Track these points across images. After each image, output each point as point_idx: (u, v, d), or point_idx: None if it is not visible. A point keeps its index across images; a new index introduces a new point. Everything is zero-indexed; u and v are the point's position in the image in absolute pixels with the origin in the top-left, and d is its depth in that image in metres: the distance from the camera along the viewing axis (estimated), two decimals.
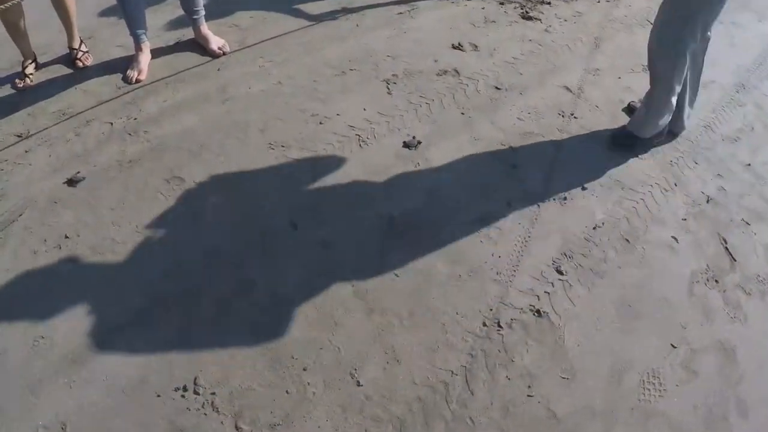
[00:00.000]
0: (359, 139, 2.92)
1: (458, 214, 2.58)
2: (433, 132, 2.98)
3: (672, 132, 3.00)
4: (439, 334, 2.15)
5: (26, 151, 2.80)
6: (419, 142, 2.91)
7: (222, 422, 1.91)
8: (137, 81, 3.21)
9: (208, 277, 2.32)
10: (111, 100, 3.10)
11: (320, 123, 3.00)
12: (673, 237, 2.54)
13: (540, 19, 3.89)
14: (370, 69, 3.39)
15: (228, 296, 2.26)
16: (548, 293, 2.30)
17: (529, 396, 2.00)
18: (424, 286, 2.30)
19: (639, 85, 3.26)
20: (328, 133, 2.95)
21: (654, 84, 2.76)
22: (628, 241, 2.51)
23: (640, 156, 2.89)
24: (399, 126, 3.01)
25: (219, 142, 2.87)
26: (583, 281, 2.35)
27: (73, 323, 2.16)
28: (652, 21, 2.67)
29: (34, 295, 2.24)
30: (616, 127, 3.05)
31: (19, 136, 2.88)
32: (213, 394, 1.98)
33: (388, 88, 3.25)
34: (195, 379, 2.01)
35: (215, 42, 3.44)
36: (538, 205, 2.63)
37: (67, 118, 2.98)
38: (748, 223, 2.61)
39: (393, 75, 3.34)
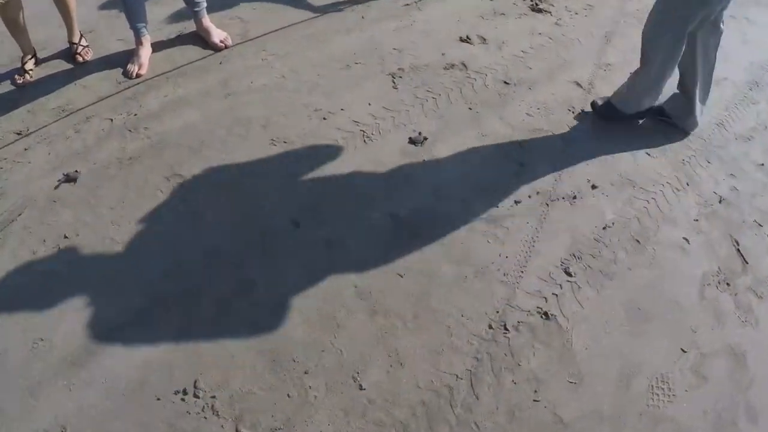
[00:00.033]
0: (364, 135, 2.87)
1: (464, 212, 2.53)
2: (440, 128, 2.93)
3: (685, 130, 2.94)
4: (443, 336, 2.11)
5: (26, 149, 2.77)
6: (425, 138, 2.85)
7: (222, 426, 1.89)
8: (138, 75, 3.17)
9: (208, 277, 2.28)
10: (111, 95, 3.06)
11: (324, 118, 2.95)
12: (684, 238, 2.48)
13: (550, 12, 3.81)
14: (376, 62, 3.33)
15: (228, 296, 2.22)
16: (556, 295, 2.25)
17: (535, 401, 1.96)
18: (428, 287, 2.25)
19: None
20: (332, 128, 2.90)
21: (643, 65, 2.73)
22: (638, 241, 2.45)
23: (651, 154, 2.83)
24: (405, 121, 2.95)
25: (220, 138, 2.82)
26: (592, 283, 2.30)
27: (73, 324, 2.13)
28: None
29: (34, 296, 2.21)
30: (628, 123, 2.98)
31: (18, 134, 2.85)
32: (213, 397, 1.95)
33: (394, 82, 3.19)
34: (195, 382, 1.98)
35: (217, 35, 3.38)
36: (547, 204, 2.57)
37: (67, 115, 2.94)
38: (760, 225, 2.55)
39: (399, 69, 3.29)
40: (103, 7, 3.78)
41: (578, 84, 3.22)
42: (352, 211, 2.52)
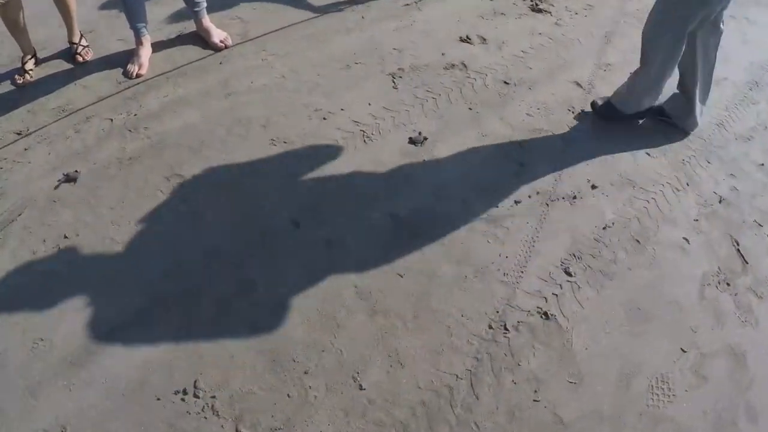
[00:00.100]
0: (364, 135, 2.86)
1: (464, 212, 2.53)
2: (440, 128, 2.93)
3: (685, 130, 2.94)
4: (443, 336, 2.11)
5: (25, 149, 2.77)
6: (425, 138, 2.85)
7: (222, 426, 1.88)
8: (138, 75, 3.16)
9: (208, 277, 2.28)
10: (111, 95, 3.06)
11: (324, 118, 2.94)
12: (684, 238, 2.48)
13: (550, 12, 3.81)
14: (376, 62, 3.33)
15: (228, 296, 2.22)
16: (556, 295, 2.25)
17: (535, 401, 1.96)
18: (428, 287, 2.25)
19: None
20: (332, 128, 2.90)
21: (643, 65, 2.73)
22: (638, 241, 2.45)
23: (651, 154, 2.83)
24: (405, 121, 2.95)
25: (220, 138, 2.82)
26: (592, 283, 2.30)
27: (73, 324, 2.13)
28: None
29: (34, 296, 2.21)
30: (628, 123, 2.98)
31: (18, 134, 2.84)
32: (213, 397, 1.95)
33: (394, 82, 3.19)
34: (195, 382, 1.98)
35: (217, 35, 3.38)
36: (547, 204, 2.57)
37: (67, 115, 2.94)
38: (760, 225, 2.55)
39: (399, 69, 3.28)
40: (103, 7, 3.78)
41: (578, 84, 3.22)
42: (352, 211, 2.51)
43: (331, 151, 2.78)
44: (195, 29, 3.48)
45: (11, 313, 2.16)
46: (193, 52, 3.39)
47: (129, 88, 3.11)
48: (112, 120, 2.91)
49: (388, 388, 1.96)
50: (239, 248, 2.37)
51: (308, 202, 2.54)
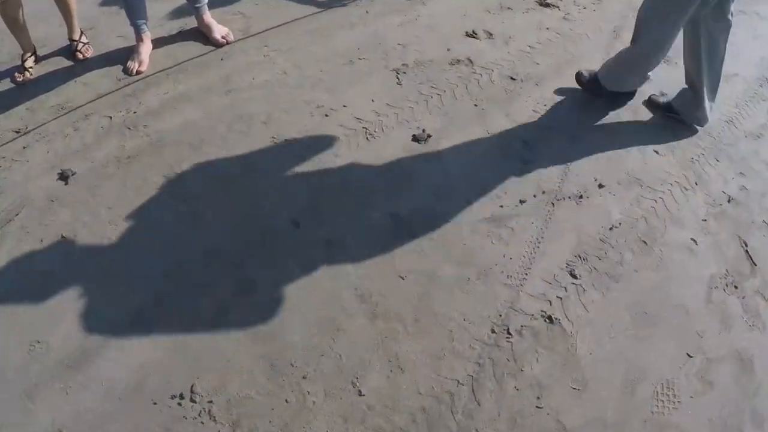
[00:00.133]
0: (366, 132, 2.82)
1: (468, 212, 2.49)
2: (445, 125, 2.88)
3: (695, 125, 2.88)
4: (445, 341, 2.07)
5: (24, 148, 2.74)
6: (429, 136, 2.81)
7: (219, 431, 1.85)
8: (138, 72, 3.13)
9: (208, 277, 2.25)
10: (111, 93, 3.02)
11: (326, 115, 2.90)
12: (692, 239, 2.43)
13: (558, 6, 3.75)
14: (380, 58, 3.29)
15: (228, 297, 2.19)
16: (561, 298, 2.21)
17: (538, 407, 1.93)
18: (430, 290, 2.22)
19: (660, 78, 3.12)
20: (334, 125, 2.86)
21: (633, 43, 2.72)
22: (645, 242, 2.41)
23: (659, 152, 2.78)
24: (408, 118, 2.91)
25: (220, 136, 2.79)
26: (598, 286, 2.26)
27: (70, 326, 2.10)
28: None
29: (31, 297, 2.18)
30: (636, 120, 2.95)
31: (17, 132, 2.81)
32: (210, 402, 1.92)
33: (398, 78, 3.15)
34: (192, 386, 1.95)
35: (218, 31, 3.34)
36: (553, 204, 2.53)
37: (66, 113, 2.91)
38: None
39: (403, 64, 3.24)
40: (103, 3, 3.73)
41: None
42: (353, 210, 2.48)
43: (333, 149, 2.74)
44: (196, 25, 3.44)
45: (8, 315, 2.14)
46: (194, 48, 3.35)
47: (129, 85, 3.07)
48: (111, 118, 2.88)
49: (387, 394, 1.93)
50: (239, 248, 2.34)
51: (308, 202, 2.51)
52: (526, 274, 2.27)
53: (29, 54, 3.13)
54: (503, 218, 2.46)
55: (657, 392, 1.98)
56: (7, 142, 2.76)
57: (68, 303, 2.17)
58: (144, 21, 3.17)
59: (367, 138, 2.79)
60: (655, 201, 2.56)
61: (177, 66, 3.20)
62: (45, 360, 2.01)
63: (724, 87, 2.96)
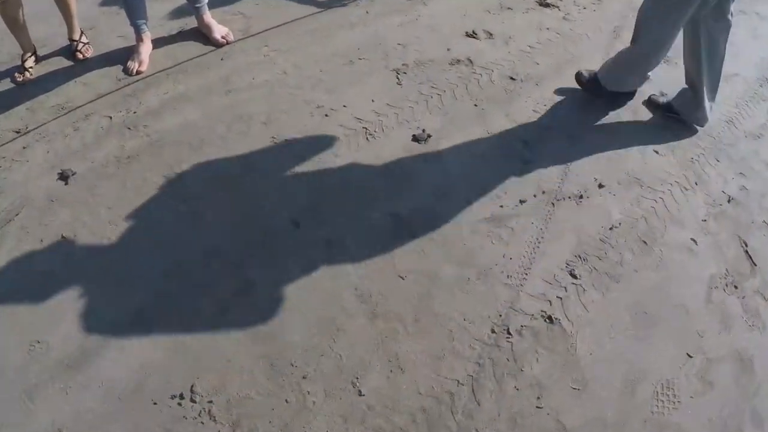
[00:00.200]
0: (366, 133, 2.82)
1: (468, 212, 2.48)
2: (444, 125, 2.88)
3: (695, 125, 2.88)
4: (445, 341, 2.07)
5: (24, 148, 2.73)
6: (429, 136, 2.81)
7: (219, 431, 1.85)
8: (138, 73, 3.13)
9: (208, 277, 2.25)
10: (111, 93, 3.02)
11: (326, 115, 2.90)
12: (692, 239, 2.43)
13: (558, 6, 3.75)
14: (380, 58, 3.28)
15: (228, 297, 2.19)
16: (561, 298, 2.20)
17: (538, 407, 1.92)
18: (430, 290, 2.22)
19: (660, 78, 3.12)
20: (334, 125, 2.85)
21: (633, 42, 2.72)
22: (645, 242, 2.41)
23: (660, 152, 2.78)
24: (408, 118, 2.91)
25: (220, 136, 2.78)
26: (598, 286, 2.25)
27: (70, 326, 2.10)
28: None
29: (31, 298, 2.18)
30: (636, 120, 2.95)
31: (17, 132, 2.81)
32: (210, 402, 1.92)
33: (398, 78, 3.14)
34: (192, 386, 1.95)
35: (218, 31, 3.34)
36: (553, 204, 2.53)
37: (66, 113, 2.90)
38: None
39: (403, 64, 3.24)
40: (103, 3, 3.73)
41: None
42: (353, 210, 2.47)
43: (333, 149, 2.74)
44: (196, 25, 3.44)
45: (8, 315, 2.13)
46: (194, 48, 3.34)
47: (129, 85, 3.07)
48: (111, 118, 2.87)
49: (387, 394, 1.93)
50: (239, 248, 2.34)
51: (308, 202, 2.50)
52: (526, 274, 2.27)
53: (29, 54, 3.13)
54: (503, 218, 2.46)
55: (657, 392, 1.98)
56: (7, 142, 2.76)
57: (68, 303, 2.17)
58: (144, 21, 3.17)
59: (367, 138, 2.79)
60: (655, 201, 2.56)
61: (177, 66, 3.20)
62: (45, 360, 2.01)
63: (724, 87, 2.96)
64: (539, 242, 2.38)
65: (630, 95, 3.02)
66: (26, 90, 3.06)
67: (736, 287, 2.30)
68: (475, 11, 3.69)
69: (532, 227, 2.43)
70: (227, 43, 3.35)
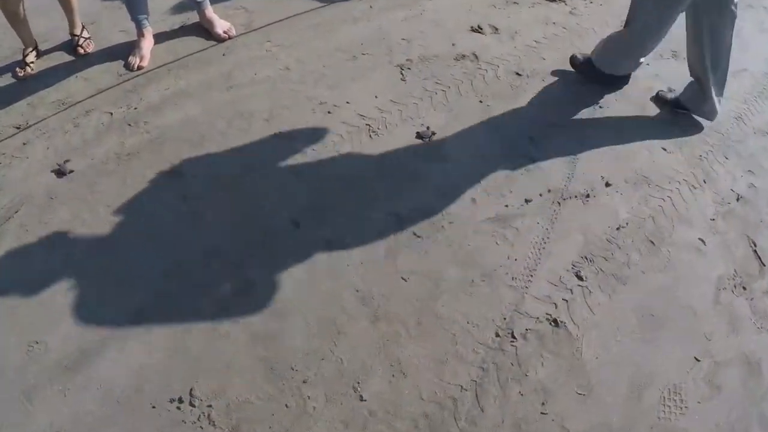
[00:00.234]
0: (369, 129, 2.78)
1: (472, 212, 2.45)
2: (449, 122, 2.84)
3: (705, 118, 2.83)
4: (448, 345, 2.04)
5: (24, 144, 2.71)
6: (433, 133, 2.77)
7: None
8: (139, 68, 3.09)
9: (208, 277, 2.22)
10: (111, 88, 2.99)
11: (328, 112, 2.86)
12: (700, 239, 2.39)
13: (564, 1, 3.68)
14: (384, 53, 3.24)
15: (228, 297, 2.17)
16: (566, 301, 2.17)
17: (542, 413, 1.89)
18: (433, 292, 2.18)
19: (668, 73, 3.08)
20: (337, 122, 2.82)
21: (625, 25, 2.72)
22: (653, 243, 2.36)
23: (667, 149, 2.73)
24: (412, 115, 2.86)
25: (221, 133, 2.75)
26: (604, 288, 2.22)
27: (68, 327, 2.08)
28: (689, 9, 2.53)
29: (29, 297, 2.16)
30: (644, 116, 2.91)
31: (17, 128, 2.79)
32: (209, 406, 1.90)
33: (402, 74, 3.10)
34: (191, 390, 1.93)
35: (220, 26, 3.30)
36: (559, 203, 2.49)
37: (66, 108, 2.88)
38: None
39: (407, 60, 3.19)
40: None
41: None
42: (355, 210, 2.44)
43: (335, 147, 2.70)
44: (198, 20, 3.39)
45: (7, 314, 2.12)
46: (195, 43, 3.30)
47: (129, 80, 3.03)
48: (111, 114, 2.84)
49: (389, 399, 1.90)
50: (239, 248, 2.31)
51: (309, 201, 2.47)
52: (531, 275, 2.24)
53: (30, 49, 3.10)
54: (508, 218, 2.42)
55: (664, 397, 1.95)
56: (7, 138, 2.74)
57: (67, 303, 2.15)
58: (145, 16, 3.13)
59: (370, 135, 2.76)
60: (663, 200, 2.52)
61: (178, 61, 3.16)
62: (44, 361, 2.00)
63: (732, 82, 2.91)
64: (545, 243, 2.34)
65: (625, 79, 2.99)
66: (27, 85, 3.03)
67: (744, 288, 2.26)
68: (481, 5, 3.63)
69: (537, 227, 2.40)
70: (229, 38, 3.32)
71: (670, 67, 3.13)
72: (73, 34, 3.21)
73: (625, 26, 2.72)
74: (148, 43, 3.18)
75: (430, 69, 3.13)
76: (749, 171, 2.67)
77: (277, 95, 2.95)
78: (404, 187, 2.52)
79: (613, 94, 2.99)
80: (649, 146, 2.75)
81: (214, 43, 3.30)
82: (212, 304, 2.15)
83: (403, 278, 2.21)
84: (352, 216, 2.42)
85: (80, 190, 2.51)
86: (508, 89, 3.03)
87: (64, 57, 3.21)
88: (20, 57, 3.11)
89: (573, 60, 3.05)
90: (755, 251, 2.38)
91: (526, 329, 2.08)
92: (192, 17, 3.46)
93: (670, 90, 2.97)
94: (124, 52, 3.20)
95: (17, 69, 3.06)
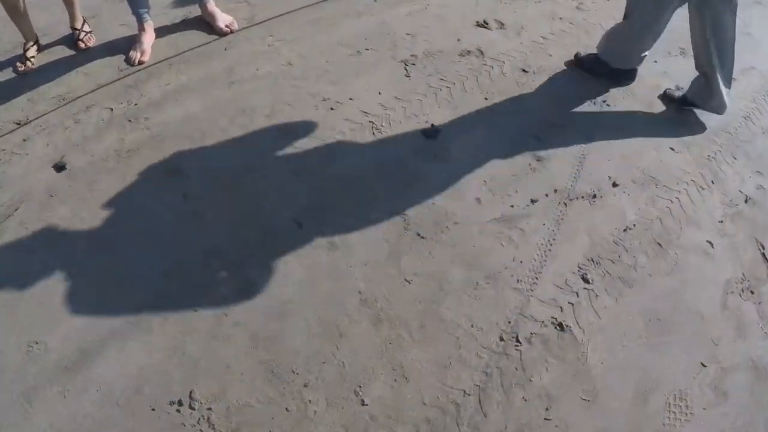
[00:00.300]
0: (373, 127, 2.75)
1: (477, 212, 2.41)
2: (454, 119, 2.80)
3: (714, 113, 2.79)
4: (451, 348, 2.01)
5: (24, 140, 2.68)
6: (438, 131, 2.73)
7: None
8: (140, 62, 3.05)
9: (208, 277, 2.20)
10: (112, 83, 2.95)
11: (331, 108, 2.82)
12: (708, 241, 2.36)
13: None
14: (387, 49, 3.19)
15: (228, 298, 2.14)
16: (572, 304, 2.14)
17: (546, 419, 1.87)
18: (437, 294, 2.15)
19: (676, 70, 3.04)
20: (340, 119, 2.78)
21: (624, 17, 2.74)
22: (660, 245, 2.33)
23: (675, 149, 2.70)
24: (417, 112, 2.83)
25: (222, 129, 2.71)
26: (611, 291, 2.19)
27: (68, 327, 2.06)
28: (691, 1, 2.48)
29: (29, 297, 2.14)
30: (652, 115, 2.88)
31: (17, 123, 2.75)
32: (209, 409, 1.87)
33: (406, 70, 3.06)
34: (191, 392, 1.90)
35: (222, 20, 3.26)
36: (565, 204, 2.45)
37: (66, 104, 2.84)
38: None
39: (412, 55, 3.15)
40: None
41: None
42: (357, 209, 2.41)
43: (338, 144, 2.66)
44: (200, 14, 3.35)
45: (6, 314, 2.09)
46: (197, 37, 3.26)
47: (130, 75, 3.00)
48: (112, 109, 2.81)
49: (391, 404, 1.88)
50: (239, 248, 2.28)
51: (311, 200, 2.44)
52: (537, 278, 2.21)
53: (31, 43, 3.06)
54: (514, 219, 2.39)
55: (669, 403, 1.92)
56: (7, 134, 2.71)
57: (66, 303, 2.12)
58: (146, 10, 3.10)
59: (373, 132, 2.72)
60: (671, 201, 2.48)
61: (180, 56, 3.12)
62: (43, 361, 1.97)
63: (741, 81, 2.88)
64: (551, 244, 2.31)
65: (631, 75, 2.97)
66: (27, 80, 2.99)
67: (752, 292, 2.23)
68: (487, 0, 3.58)
69: (543, 228, 2.36)
70: (231, 32, 3.27)
71: (678, 65, 3.08)
72: (73, 28, 3.17)
73: (624, 18, 2.71)
74: (149, 38, 3.14)
75: (434, 65, 3.09)
76: (758, 172, 2.64)
77: (279, 91, 2.91)
78: (407, 187, 2.49)
79: (620, 92, 2.95)
80: (657, 146, 2.71)
81: (216, 37, 3.26)
82: (212, 304, 2.12)
83: (406, 280, 2.18)
84: (354, 216, 2.38)
85: (80, 187, 2.48)
86: (514, 86, 2.99)
87: (65, 51, 3.17)
88: (21, 51, 3.07)
89: (577, 56, 3.03)
90: (763, 254, 2.35)
91: (531, 333, 2.05)
92: (194, 11, 3.42)
93: (678, 88, 2.93)
94: (126, 46, 3.16)
95: (18, 63, 3.02)
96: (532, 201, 2.45)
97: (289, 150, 2.63)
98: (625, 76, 2.96)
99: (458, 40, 3.26)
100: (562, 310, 2.12)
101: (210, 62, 3.08)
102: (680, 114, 2.85)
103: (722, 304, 2.18)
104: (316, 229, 2.34)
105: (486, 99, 2.91)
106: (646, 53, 2.83)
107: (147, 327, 2.06)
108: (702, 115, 2.84)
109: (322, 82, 2.97)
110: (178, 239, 2.30)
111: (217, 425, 1.84)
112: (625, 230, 2.37)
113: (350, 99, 2.88)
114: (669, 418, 1.89)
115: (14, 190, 2.47)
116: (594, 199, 2.47)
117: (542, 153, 2.65)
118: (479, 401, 1.89)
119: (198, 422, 1.84)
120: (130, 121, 2.75)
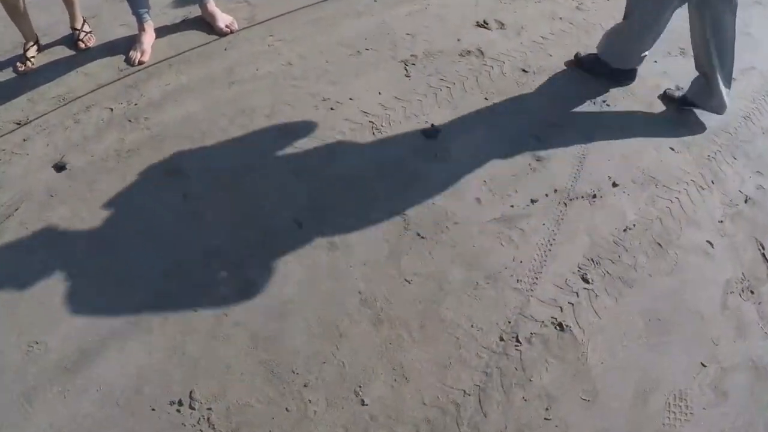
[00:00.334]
0: (373, 127, 2.75)
1: (477, 212, 2.41)
2: (454, 119, 2.80)
3: (714, 113, 2.79)
4: (451, 349, 2.01)
5: (24, 140, 2.68)
6: (438, 131, 2.73)
7: None
8: (140, 63, 3.05)
9: (208, 277, 2.20)
10: (112, 83, 2.95)
11: (331, 108, 2.82)
12: (708, 241, 2.36)
13: None
14: (387, 49, 3.19)
15: (228, 298, 2.14)
16: (572, 304, 2.14)
17: (546, 419, 1.87)
18: (437, 294, 2.15)
19: (676, 70, 3.04)
20: (340, 119, 2.78)
21: (624, 18, 2.74)
22: (660, 245, 2.33)
23: (675, 149, 2.70)
24: (417, 112, 2.83)
25: (222, 130, 2.71)
26: (611, 291, 2.19)
27: (68, 327, 2.06)
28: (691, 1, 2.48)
29: (29, 297, 2.14)
30: (652, 115, 2.87)
31: (17, 124, 2.75)
32: (209, 409, 1.87)
33: (406, 70, 3.06)
34: (191, 392, 1.90)
35: (223, 20, 3.26)
36: (565, 204, 2.45)
37: (66, 104, 2.84)
38: None
39: (412, 55, 3.15)
40: None
41: None
42: (357, 209, 2.41)
43: (338, 144, 2.66)
44: (200, 14, 3.35)
45: (6, 314, 2.09)
46: (197, 37, 3.26)
47: (130, 75, 3.00)
48: (112, 110, 2.81)
49: (391, 404, 1.88)
50: (239, 248, 2.28)
51: (311, 200, 2.44)
52: (537, 278, 2.21)
53: (31, 43, 3.06)
54: (514, 218, 2.39)
55: (669, 403, 1.92)
56: (7, 134, 2.71)
57: (66, 303, 2.12)
58: (146, 10, 3.10)
59: (373, 132, 2.72)
60: (671, 201, 2.48)
61: (180, 56, 3.12)
62: (43, 362, 1.97)
63: (741, 81, 2.87)
64: (551, 244, 2.31)
65: (631, 75, 2.97)
66: (27, 80, 2.99)
67: (752, 292, 2.23)
68: (487, 0, 3.58)
69: (543, 228, 2.36)
70: (231, 32, 3.27)
71: (678, 65, 3.09)
72: (74, 28, 3.17)
73: (623, 18, 2.72)
74: (149, 38, 3.14)
75: (434, 65, 3.09)
76: (758, 172, 2.64)
77: (279, 91, 2.91)
78: (407, 187, 2.49)
79: (620, 92, 2.95)
80: (657, 145, 2.71)
81: (216, 37, 3.26)
82: (212, 304, 2.12)
83: (406, 280, 2.18)
84: (354, 216, 2.38)
85: (80, 187, 2.48)
86: (514, 86, 2.99)
87: (65, 51, 3.17)
88: (21, 51, 3.07)
89: (578, 59, 3.03)
90: (763, 254, 2.35)
91: (531, 333, 2.05)
92: (194, 11, 3.42)
93: (678, 88, 2.94)
94: (126, 46, 3.16)
95: (18, 63, 3.02)
96: (532, 201, 2.45)
97: (289, 150, 2.63)
98: (625, 76, 2.95)
99: (458, 40, 3.26)
100: (562, 310, 2.12)
101: (210, 62, 3.09)
102: (680, 114, 2.85)
103: (722, 304, 2.18)
104: (316, 229, 2.34)
105: (486, 99, 2.91)
106: (646, 53, 2.83)
107: (147, 327, 2.06)
108: (702, 115, 2.84)
109: (322, 82, 2.97)
110: (178, 239, 2.30)
111: (217, 425, 1.83)
112: (625, 230, 2.37)
113: (350, 99, 2.88)
114: (669, 418, 1.89)
115: (14, 190, 2.47)
116: (594, 199, 2.47)
117: (542, 153, 2.65)
118: (479, 401, 1.89)
119: (198, 422, 1.84)
120: (130, 121, 2.75)
